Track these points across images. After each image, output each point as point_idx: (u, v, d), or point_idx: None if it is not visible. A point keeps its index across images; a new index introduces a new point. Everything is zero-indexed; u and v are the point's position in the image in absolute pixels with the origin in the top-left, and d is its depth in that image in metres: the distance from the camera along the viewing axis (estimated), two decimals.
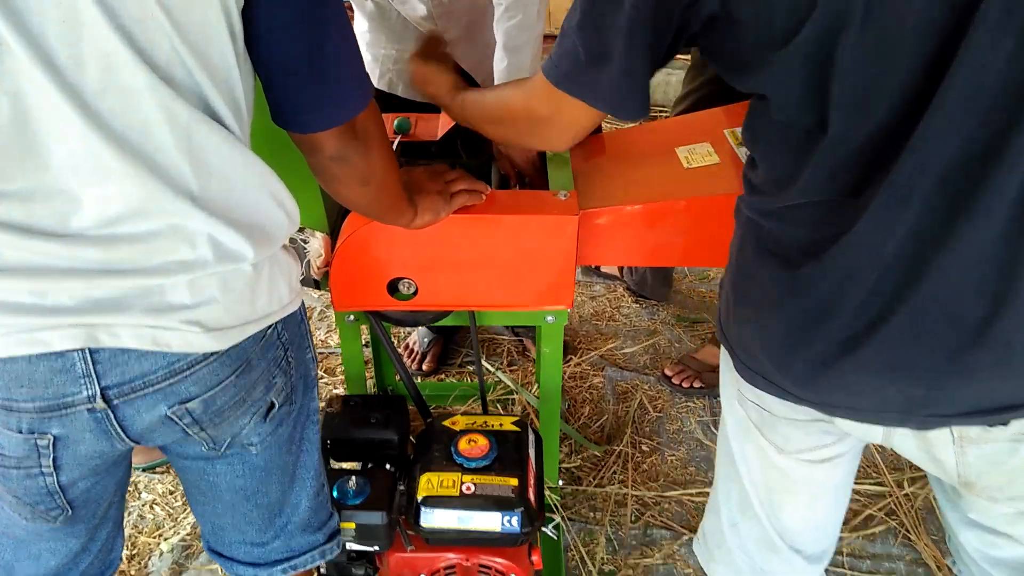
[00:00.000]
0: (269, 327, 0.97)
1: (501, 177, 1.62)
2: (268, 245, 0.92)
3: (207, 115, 0.80)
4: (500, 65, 1.64)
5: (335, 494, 1.35)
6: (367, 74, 0.90)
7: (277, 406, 1.02)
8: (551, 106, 1.00)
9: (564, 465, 1.96)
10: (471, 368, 2.26)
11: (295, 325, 1.04)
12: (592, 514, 1.87)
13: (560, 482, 1.91)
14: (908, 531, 1.81)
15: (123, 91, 0.74)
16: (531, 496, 1.36)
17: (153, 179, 0.78)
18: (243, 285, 0.90)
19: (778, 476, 1.12)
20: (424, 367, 2.26)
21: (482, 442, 1.40)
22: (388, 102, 1.98)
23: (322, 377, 2.25)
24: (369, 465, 1.46)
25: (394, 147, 1.63)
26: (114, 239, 0.80)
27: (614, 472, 1.97)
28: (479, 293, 1.42)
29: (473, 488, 1.34)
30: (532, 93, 1.03)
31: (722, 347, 1.11)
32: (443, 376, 2.26)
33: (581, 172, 1.50)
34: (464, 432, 1.43)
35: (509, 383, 2.11)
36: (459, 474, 1.36)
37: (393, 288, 1.42)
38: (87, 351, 0.83)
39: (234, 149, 0.84)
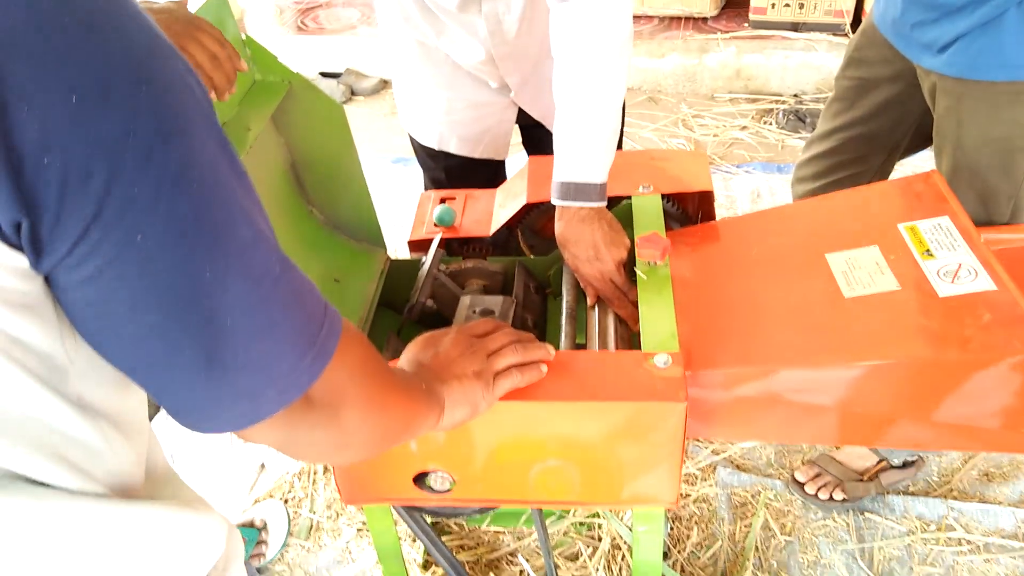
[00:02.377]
0: None
1: (575, 284, 1.19)
2: None
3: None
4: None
5: None
6: (318, 316, 0.55)
7: None
8: None
9: None
10: None
11: None
12: None
13: None
14: None
15: None
16: None
17: None
18: None
19: None
20: None
21: None
22: (439, 159, 1.56)
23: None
24: None
25: (434, 247, 1.22)
26: None
27: None
28: (542, 489, 1.00)
29: None
30: None
31: None
32: None
33: (687, 294, 1.05)
34: None
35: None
36: None
37: (421, 480, 1.02)
38: None
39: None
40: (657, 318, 0.99)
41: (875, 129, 1.51)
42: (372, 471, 1.02)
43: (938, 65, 1.31)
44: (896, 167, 1.66)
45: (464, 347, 0.85)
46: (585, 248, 1.10)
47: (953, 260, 0.98)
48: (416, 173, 2.96)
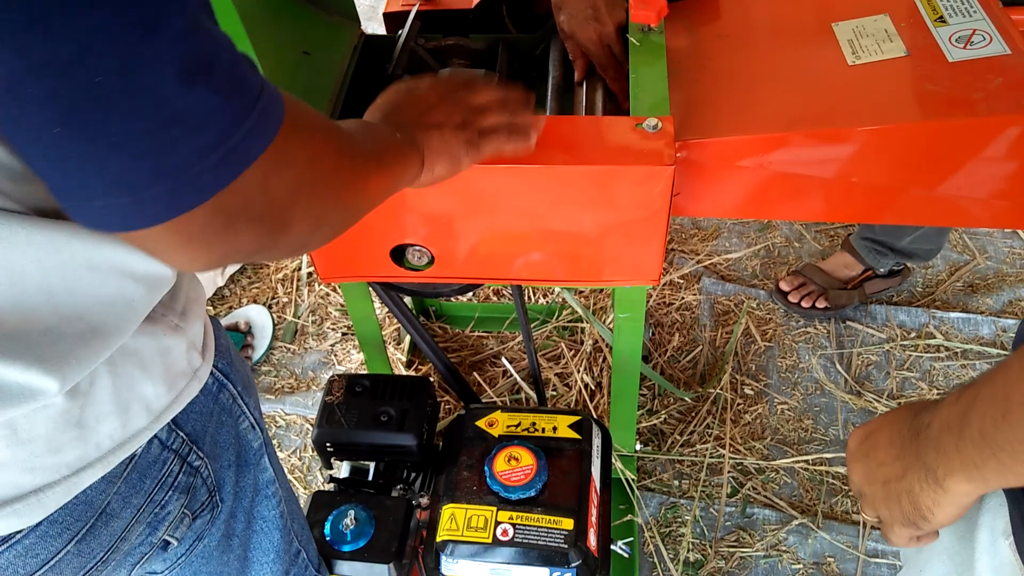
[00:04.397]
0: (138, 448, 0.58)
1: (564, 60, 1.11)
2: (99, 348, 0.51)
3: None
4: None
5: (327, 534, 1.01)
6: (239, 102, 0.43)
7: (178, 540, 0.66)
8: None
9: (643, 424, 1.57)
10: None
11: (206, 407, 0.64)
12: (677, 483, 1.51)
13: (638, 446, 1.53)
14: None
15: None
16: (592, 542, 0.99)
17: None
18: (50, 428, 0.51)
19: None
20: None
21: (527, 460, 1.02)
22: None
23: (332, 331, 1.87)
24: (378, 483, 1.11)
25: (410, 18, 1.13)
26: None
27: (707, 427, 1.58)
28: (524, 266, 0.97)
29: (512, 532, 0.98)
30: None
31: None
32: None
33: (681, 65, 0.98)
34: (504, 443, 1.04)
35: (579, 309, 1.69)
36: (494, 509, 1.00)
37: (399, 255, 0.99)
38: None
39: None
40: (649, 83, 0.92)
41: None
42: (348, 245, 0.99)
43: None
44: None
45: (444, 94, 0.76)
46: (584, 7, 1.01)
47: (967, 26, 0.91)
48: None
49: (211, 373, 0.64)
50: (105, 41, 0.37)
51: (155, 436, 0.59)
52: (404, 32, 1.10)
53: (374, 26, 2.50)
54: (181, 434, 0.62)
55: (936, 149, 0.85)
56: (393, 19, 1.19)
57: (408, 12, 1.15)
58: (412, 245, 0.96)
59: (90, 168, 0.40)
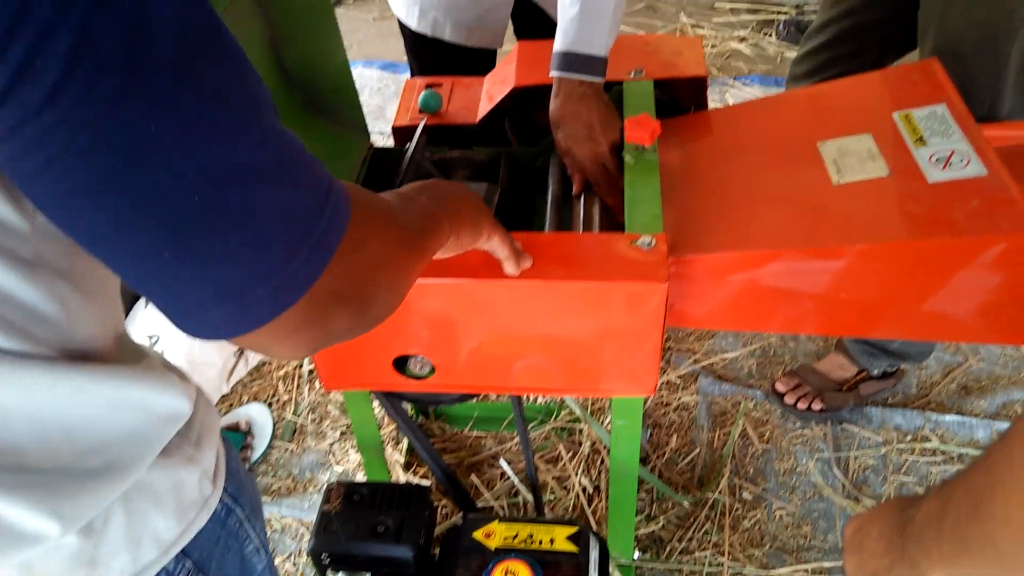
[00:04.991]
0: None
1: (563, 174, 1.16)
2: (114, 483, 0.52)
3: None
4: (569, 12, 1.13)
5: None
6: (316, 200, 0.46)
7: None
8: None
9: (642, 529, 1.56)
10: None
11: (213, 532, 0.65)
12: None
13: (637, 554, 1.51)
14: None
15: None
16: None
17: None
18: (63, 567, 0.52)
19: None
20: None
21: (524, 575, 1.01)
22: (432, 49, 1.51)
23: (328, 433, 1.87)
24: None
25: (418, 133, 1.18)
26: None
27: (706, 533, 1.56)
28: (523, 375, 0.99)
29: None
30: None
31: None
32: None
33: (675, 182, 1.02)
34: (501, 556, 1.04)
35: (577, 410, 1.70)
36: None
37: (401, 364, 1.01)
38: None
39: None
40: (643, 201, 0.96)
41: (868, 20, 1.47)
42: (352, 356, 1.01)
43: None
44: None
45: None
46: (580, 127, 1.07)
47: (946, 147, 0.96)
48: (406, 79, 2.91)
49: (220, 499, 0.65)
50: (199, 168, 0.39)
51: (164, 569, 0.60)
52: (412, 146, 1.15)
53: (381, 125, 2.59)
54: (188, 561, 0.62)
55: (920, 267, 0.88)
56: (401, 133, 1.25)
57: (416, 127, 1.20)
58: (415, 356, 0.98)
59: (199, 284, 0.42)
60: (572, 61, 1.05)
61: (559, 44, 1.07)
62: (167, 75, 0.37)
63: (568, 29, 1.06)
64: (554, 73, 1.07)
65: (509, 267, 0.85)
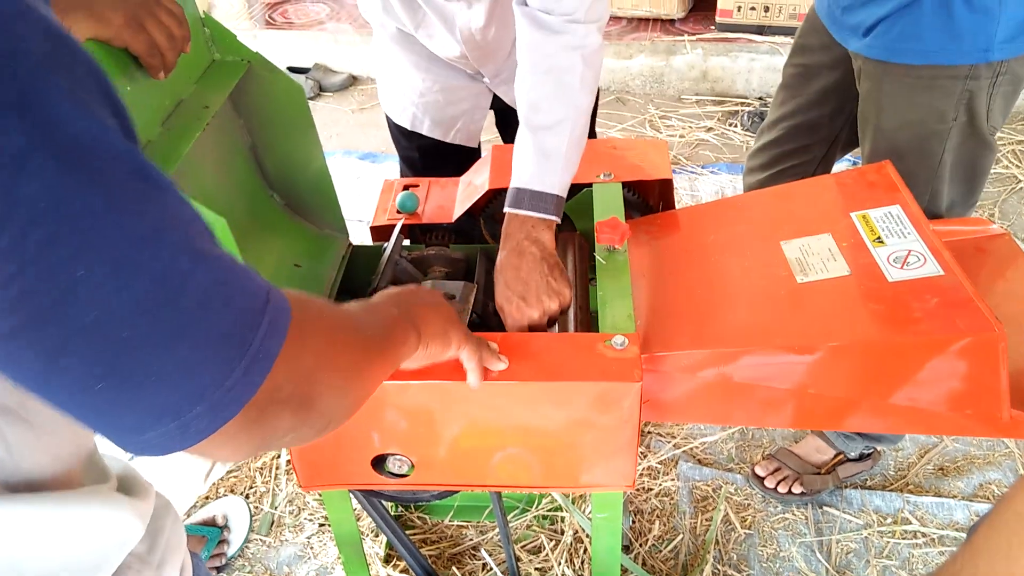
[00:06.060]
0: None
1: None
2: None
3: None
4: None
5: None
6: (251, 314, 0.47)
7: None
8: None
9: None
10: None
11: None
12: None
13: None
14: None
15: None
16: None
17: None
18: None
19: None
20: None
21: None
22: (413, 140, 1.56)
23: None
24: None
25: (395, 233, 1.22)
26: None
27: None
28: (501, 472, 1.00)
29: None
30: None
31: None
32: None
33: (645, 280, 1.06)
34: None
35: (559, 499, 1.70)
36: None
37: (379, 463, 1.01)
38: None
39: None
40: (615, 300, 0.99)
41: (815, 118, 1.54)
42: (330, 455, 1.01)
43: (862, 48, 1.33)
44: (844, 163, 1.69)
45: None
46: (517, 284, 1.03)
47: (903, 247, 1.01)
48: (384, 170, 2.98)
49: None
50: (129, 301, 0.40)
51: None
52: (389, 247, 1.19)
53: (360, 213, 2.63)
54: None
55: (882, 365, 0.91)
56: (379, 231, 1.28)
57: (393, 226, 1.24)
58: (393, 455, 0.99)
59: (136, 408, 0.43)
60: (524, 198, 1.05)
61: (512, 180, 1.07)
62: (98, 217, 0.39)
63: (521, 166, 1.06)
64: (506, 209, 1.07)
65: (472, 379, 0.87)
